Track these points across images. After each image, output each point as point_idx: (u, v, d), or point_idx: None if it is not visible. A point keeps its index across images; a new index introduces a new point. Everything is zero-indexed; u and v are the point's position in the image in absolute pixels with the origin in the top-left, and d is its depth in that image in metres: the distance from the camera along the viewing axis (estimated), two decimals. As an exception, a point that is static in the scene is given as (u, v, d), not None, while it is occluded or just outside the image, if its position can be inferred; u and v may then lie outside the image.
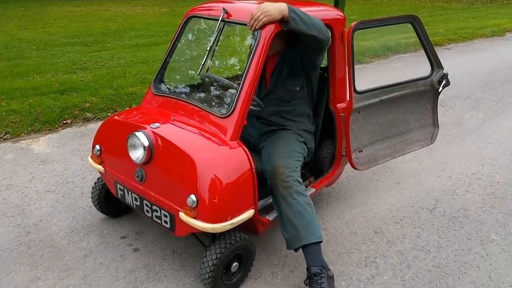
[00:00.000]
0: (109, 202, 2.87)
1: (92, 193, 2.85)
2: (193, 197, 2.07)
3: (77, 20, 12.83)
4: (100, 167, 2.60)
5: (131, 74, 6.17)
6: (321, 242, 2.31)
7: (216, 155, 2.20)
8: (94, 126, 4.44)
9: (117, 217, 2.97)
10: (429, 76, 3.15)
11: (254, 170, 2.21)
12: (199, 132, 2.31)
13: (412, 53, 8.37)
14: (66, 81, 5.66)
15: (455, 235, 2.91)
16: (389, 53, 8.18)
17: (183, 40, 2.85)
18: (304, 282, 2.31)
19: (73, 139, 4.13)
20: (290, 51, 2.62)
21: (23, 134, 4.19)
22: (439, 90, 3.20)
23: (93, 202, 2.87)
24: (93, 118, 4.64)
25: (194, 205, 2.07)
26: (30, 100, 4.86)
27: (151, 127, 2.30)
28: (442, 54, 7.12)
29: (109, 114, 4.74)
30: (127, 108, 3.01)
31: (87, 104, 4.85)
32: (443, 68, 3.16)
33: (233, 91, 2.45)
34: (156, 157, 2.25)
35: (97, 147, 2.63)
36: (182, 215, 2.13)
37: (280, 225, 2.36)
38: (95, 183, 2.85)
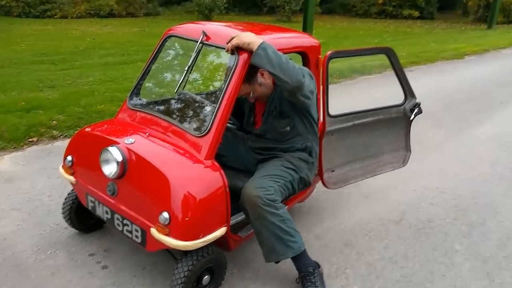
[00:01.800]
0: (80, 217, 2.83)
1: (63, 207, 2.80)
2: (165, 214, 2.08)
3: (45, 38, 12.62)
4: (71, 178, 2.58)
5: (100, 92, 6.11)
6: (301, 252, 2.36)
7: (189, 173, 2.22)
8: (61, 144, 4.36)
9: (87, 233, 2.91)
10: (402, 104, 3.30)
11: (227, 189, 2.23)
12: (174, 150, 2.32)
13: (377, 75, 8.66)
14: (33, 99, 5.55)
15: (421, 246, 3.00)
16: (356, 75, 8.44)
17: (160, 58, 2.88)
18: (296, 280, 2.40)
19: (40, 157, 4.04)
20: (278, 92, 2.58)
21: (-13, 152, 4.08)
22: (411, 118, 3.35)
23: (64, 217, 2.82)
24: (60, 136, 4.56)
25: (167, 222, 2.07)
26: (-5, 118, 4.75)
27: (125, 142, 2.30)
28: (408, 76, 7.40)
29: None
30: (101, 121, 2.97)
31: (54, 122, 4.77)
32: (415, 97, 3.31)
33: (209, 109, 2.47)
34: (129, 173, 2.25)
35: (69, 157, 2.60)
36: (154, 231, 2.13)
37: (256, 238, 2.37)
38: (66, 197, 2.81)
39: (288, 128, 2.60)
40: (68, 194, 2.82)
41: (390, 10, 25.95)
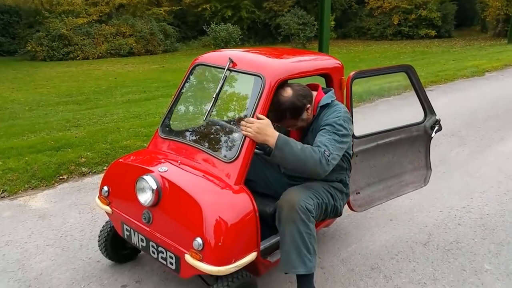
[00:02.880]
0: (114, 247, 2.92)
1: (99, 238, 2.90)
2: (199, 240, 2.14)
3: (68, 80, 13.16)
4: (108, 208, 2.68)
5: (124, 129, 6.31)
6: (311, 273, 2.36)
7: (220, 199, 2.29)
8: (91, 180, 4.51)
9: (119, 264, 2.99)
10: (422, 122, 3.34)
11: (257, 214, 2.29)
12: (205, 176, 2.41)
13: (396, 96, 8.68)
14: (61, 138, 5.77)
15: (449, 267, 2.97)
16: (374, 97, 8.48)
17: (189, 87, 2.99)
18: None
19: (70, 193, 4.18)
20: (315, 124, 2.56)
21: (20, 191, 4.24)
22: (432, 136, 3.38)
23: (99, 247, 2.92)
24: (89, 172, 4.72)
25: (200, 248, 2.14)
26: (26, 158, 4.95)
27: (159, 171, 2.40)
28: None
29: (105, 168, 4.82)
30: (134, 151, 3.08)
31: (83, 159, 4.94)
32: (435, 114, 3.35)
33: (237, 135, 2.55)
34: (163, 200, 2.34)
35: (105, 188, 2.71)
36: (188, 257, 2.20)
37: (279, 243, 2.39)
38: (102, 228, 2.91)
39: None
40: (103, 226, 2.93)
41: (406, 31, 26.03)
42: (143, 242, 2.51)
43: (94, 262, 3.03)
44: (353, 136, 2.83)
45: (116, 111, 8.00)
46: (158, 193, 2.33)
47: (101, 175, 4.59)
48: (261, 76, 2.46)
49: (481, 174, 4.59)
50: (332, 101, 2.56)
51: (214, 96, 2.62)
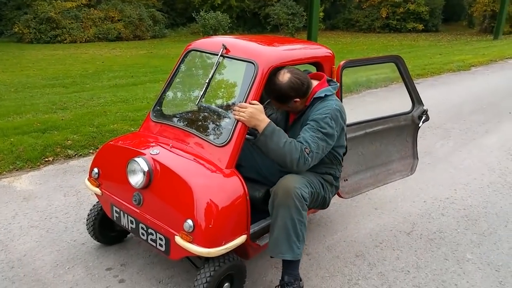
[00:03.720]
0: (102, 229, 2.93)
1: (87, 220, 2.90)
2: (190, 222, 2.15)
3: (55, 63, 12.93)
4: (97, 190, 2.68)
5: (111, 113, 6.24)
6: (298, 260, 2.40)
7: (212, 182, 2.31)
8: (76, 163, 4.46)
9: (106, 247, 2.99)
10: (410, 112, 3.38)
11: (247, 197, 2.31)
12: (196, 160, 2.42)
13: (382, 88, 8.74)
14: (47, 121, 5.69)
15: (432, 256, 3.02)
16: (361, 88, 8.52)
17: (181, 72, 2.99)
18: (276, 287, 2.42)
19: (56, 176, 4.14)
20: (308, 113, 2.54)
21: (4, 172, 4.18)
22: (419, 125, 3.42)
23: (87, 229, 2.92)
24: (75, 155, 4.66)
25: (191, 229, 2.15)
26: (12, 139, 4.87)
27: (151, 153, 2.41)
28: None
29: (91, 151, 4.78)
30: (125, 134, 3.06)
31: (69, 141, 4.88)
32: (423, 105, 3.38)
33: (228, 120, 2.57)
34: (154, 182, 2.35)
35: (95, 170, 2.71)
36: (178, 239, 2.21)
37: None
38: (90, 210, 2.91)
39: None
40: (91, 208, 2.92)
41: (394, 24, 26.16)
42: (132, 224, 2.51)
43: (79, 245, 3.01)
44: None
45: (103, 95, 7.90)
46: (150, 176, 2.33)
47: (87, 158, 4.58)
48: (254, 63, 2.48)
49: (465, 166, 4.67)
50: (326, 95, 2.52)
51: (206, 81, 2.63)
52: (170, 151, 2.50)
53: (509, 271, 2.86)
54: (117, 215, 2.62)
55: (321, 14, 22.41)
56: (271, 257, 2.42)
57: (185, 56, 2.93)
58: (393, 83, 8.94)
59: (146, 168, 2.32)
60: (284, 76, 2.47)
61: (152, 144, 2.57)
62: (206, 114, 2.81)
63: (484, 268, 2.89)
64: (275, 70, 2.51)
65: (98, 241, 2.98)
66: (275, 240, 2.34)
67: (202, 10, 21.88)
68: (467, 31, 26.84)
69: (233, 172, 2.36)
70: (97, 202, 2.90)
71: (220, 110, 2.77)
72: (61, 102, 7.13)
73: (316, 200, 2.55)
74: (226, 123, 2.61)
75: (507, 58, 13.62)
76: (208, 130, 2.72)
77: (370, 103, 7.50)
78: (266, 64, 2.47)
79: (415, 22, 25.89)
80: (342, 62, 2.85)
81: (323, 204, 2.69)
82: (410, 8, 25.44)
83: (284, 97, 2.49)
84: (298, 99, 2.51)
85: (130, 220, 2.52)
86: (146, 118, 2.88)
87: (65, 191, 3.80)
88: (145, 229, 2.43)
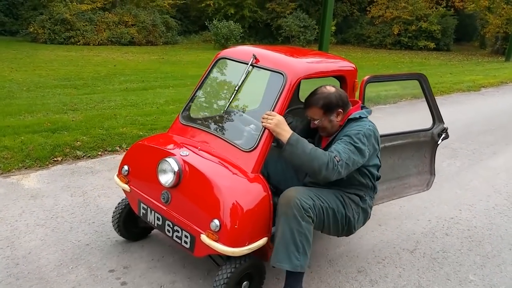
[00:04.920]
0: (127, 225, 3.03)
1: (113, 215, 3.01)
2: (216, 221, 2.26)
3: (67, 64, 13.07)
4: (126, 186, 2.79)
5: (121, 116, 6.31)
6: (299, 272, 2.39)
7: (239, 185, 2.41)
8: (84, 164, 4.51)
9: (130, 242, 3.11)
10: (430, 129, 3.43)
11: (271, 201, 2.42)
12: (223, 163, 2.52)
13: (391, 105, 8.75)
14: (58, 121, 5.76)
15: (435, 275, 3.01)
16: (370, 104, 8.54)
17: (211, 78, 3.10)
18: None
19: (63, 176, 4.18)
20: (336, 138, 2.57)
21: (14, 169, 4.23)
22: (438, 142, 3.47)
23: (112, 223, 3.02)
24: (84, 156, 4.71)
25: (217, 229, 2.25)
26: (22, 138, 4.93)
27: (181, 154, 2.51)
28: (421, 107, 7.46)
29: (99, 153, 4.83)
30: (154, 134, 3.19)
31: (78, 143, 4.93)
32: (444, 123, 3.42)
33: (256, 127, 2.67)
34: (183, 182, 2.46)
35: (125, 167, 2.82)
36: (204, 237, 2.31)
37: None
38: (116, 206, 3.02)
39: (345, 177, 2.59)
40: (118, 203, 3.03)
41: (406, 41, 26.19)
42: (159, 221, 2.61)
43: (83, 245, 3.03)
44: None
45: (114, 98, 7.98)
46: (179, 175, 2.44)
47: (96, 160, 4.63)
48: (283, 74, 2.59)
49: (471, 187, 4.65)
50: (360, 116, 2.59)
51: (236, 88, 2.74)
52: (199, 153, 2.59)
53: (512, 295, 2.84)
54: (144, 211, 2.72)
55: (333, 28, 22.50)
56: (272, 266, 2.42)
57: (216, 63, 3.05)
58: (402, 100, 8.95)
59: (176, 168, 2.43)
60: (329, 87, 2.58)
61: (181, 146, 2.68)
62: (233, 119, 2.91)
63: (487, 291, 2.87)
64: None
65: (122, 236, 3.07)
66: (275, 249, 2.36)
67: (215, 19, 22.07)
68: (479, 52, 26.82)
69: (258, 177, 2.46)
70: (123, 198, 3.01)
71: (247, 117, 2.86)
72: (72, 103, 7.21)
73: (333, 217, 2.50)
74: (253, 129, 2.71)
75: (518, 81, 13.57)
76: (235, 135, 2.77)
77: (376, 118, 7.48)
78: (294, 75, 2.59)
79: (427, 41, 25.93)
80: (366, 77, 2.92)
81: (348, 226, 2.61)
82: (422, 26, 25.51)
83: (331, 105, 2.54)
84: (341, 111, 2.57)
85: (157, 217, 2.62)
86: (175, 121, 2.99)
87: (72, 192, 3.84)
88: (171, 226, 2.52)
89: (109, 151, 4.93)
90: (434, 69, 16.70)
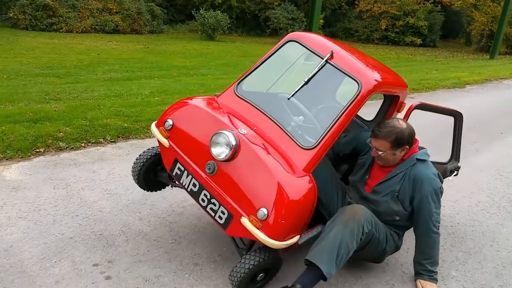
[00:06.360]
0: (146, 176, 3.03)
1: (134, 164, 2.98)
2: (265, 210, 2.25)
3: (49, 51, 12.81)
4: (166, 141, 2.69)
5: (105, 107, 6.21)
6: (324, 277, 2.40)
7: (293, 181, 2.37)
8: (67, 156, 4.43)
9: (150, 192, 3.23)
10: (446, 163, 3.53)
11: (315, 203, 2.43)
12: (280, 154, 2.47)
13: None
14: (40, 111, 5.63)
15: (418, 271, 3.04)
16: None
17: (276, 58, 2.94)
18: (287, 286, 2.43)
19: (46, 167, 4.10)
20: (407, 176, 2.68)
21: (-6, 160, 4.14)
22: (449, 178, 3.62)
23: (132, 173, 3.01)
24: (66, 147, 4.63)
25: (264, 218, 2.25)
26: (3, 128, 4.81)
27: (239, 132, 2.44)
28: (406, 103, 7.51)
29: (83, 144, 4.75)
30: (204, 95, 3.01)
31: (61, 134, 4.84)
32: (459, 162, 3.52)
33: (319, 126, 2.62)
34: (235, 160, 2.40)
35: (170, 121, 2.71)
36: (245, 221, 2.31)
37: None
38: (139, 156, 2.99)
39: (397, 218, 2.73)
40: (137, 157, 3.01)
41: (393, 37, 26.37)
42: (194, 187, 2.57)
43: (67, 239, 2.98)
44: None
45: (97, 88, 7.85)
46: (234, 152, 2.38)
47: (79, 152, 4.56)
48: (359, 82, 2.53)
49: (455, 183, 4.70)
50: (424, 159, 2.71)
51: (305, 80, 2.67)
52: (256, 134, 2.53)
53: (492, 291, 2.90)
54: (178, 172, 2.65)
55: (321, 21, 22.51)
56: (305, 260, 2.44)
57: (285, 43, 2.90)
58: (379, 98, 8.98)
59: (233, 143, 2.37)
60: (401, 122, 2.62)
61: (238, 121, 2.60)
62: (296, 111, 2.78)
63: (468, 286, 2.91)
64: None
65: (139, 186, 3.08)
66: (319, 247, 2.41)
67: (202, 8, 21.86)
68: (464, 49, 27.15)
69: (310, 177, 2.44)
70: (148, 149, 3.01)
71: (309, 113, 2.78)
72: (55, 93, 7.06)
73: (376, 247, 2.65)
74: (317, 128, 2.64)
75: (502, 79, 13.80)
76: (295, 129, 2.68)
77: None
78: (368, 86, 2.53)
79: (414, 36, 26.14)
80: (415, 103, 2.96)
81: (381, 256, 2.80)
82: (409, 22, 25.69)
83: (402, 142, 2.59)
84: (407, 147, 2.64)
85: (193, 183, 2.57)
86: (229, 90, 2.86)
87: (55, 184, 3.77)
88: (208, 197, 2.50)
89: (92, 142, 4.85)
90: (420, 65, 16.85)
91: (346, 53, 2.77)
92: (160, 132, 2.74)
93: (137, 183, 3.08)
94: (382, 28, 26.19)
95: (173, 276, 2.70)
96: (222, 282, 2.69)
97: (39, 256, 2.78)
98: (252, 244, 2.55)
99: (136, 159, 3.00)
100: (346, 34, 27.60)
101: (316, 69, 2.66)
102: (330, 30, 27.66)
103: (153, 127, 2.80)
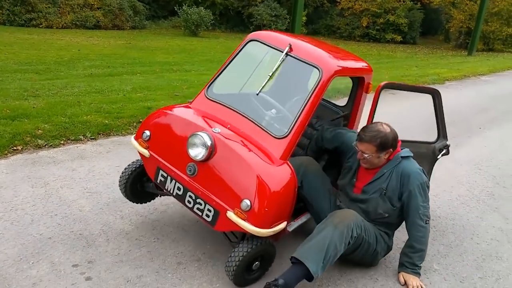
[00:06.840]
0: (133, 189, 3.07)
1: (120, 178, 3.03)
2: (247, 201, 2.34)
3: (28, 47, 12.51)
4: (146, 151, 2.80)
5: (85, 103, 6.10)
6: (309, 277, 2.42)
7: (271, 170, 2.47)
8: (46, 154, 4.33)
9: (139, 203, 3.24)
10: (433, 143, 3.49)
11: (296, 189, 2.54)
12: (255, 146, 2.58)
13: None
14: (17, 107, 5.50)
15: (400, 265, 3.06)
16: (340, 96, 8.60)
17: (239, 58, 3.06)
18: (267, 283, 2.42)
19: (24, 165, 4.00)
20: (395, 174, 2.77)
21: (-31, 159, 4.02)
22: (438, 157, 3.58)
23: (120, 186, 3.05)
24: (45, 145, 4.52)
25: (248, 209, 2.33)
26: (-22, 125, 4.69)
27: (213, 131, 2.52)
28: (387, 99, 7.58)
29: (62, 142, 4.65)
30: (180, 103, 3.14)
31: (39, 131, 4.73)
32: (447, 139, 3.49)
33: (288, 115, 2.74)
34: (213, 158, 2.49)
35: (147, 132, 2.80)
36: (231, 214, 2.39)
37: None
38: (124, 169, 3.05)
39: (386, 215, 2.79)
40: (124, 169, 3.05)
41: (374, 34, 26.61)
42: (179, 191, 2.64)
43: (45, 239, 2.91)
44: None
45: (78, 84, 7.70)
46: (211, 151, 2.47)
47: (58, 149, 4.47)
48: (319, 69, 2.65)
49: (435, 178, 4.73)
50: (408, 156, 2.82)
51: (269, 74, 2.77)
52: (230, 131, 2.63)
53: (472, 283, 2.93)
54: (162, 179, 2.72)
55: (304, 18, 22.52)
56: (292, 257, 2.46)
57: (246, 44, 3.04)
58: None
59: (209, 143, 2.45)
60: (385, 126, 2.69)
61: (211, 121, 2.71)
62: (264, 105, 2.90)
63: (450, 279, 2.95)
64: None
65: (129, 200, 3.12)
66: (307, 246, 2.45)
67: (185, 4, 21.65)
68: (443, 46, 27.53)
69: (287, 164, 2.54)
70: (132, 162, 3.07)
71: (278, 104, 2.87)
72: (33, 89, 6.90)
73: (366, 250, 2.72)
74: (286, 117, 2.74)
75: (479, 75, 14.03)
76: (266, 120, 2.80)
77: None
78: (329, 71, 2.65)
79: (394, 34, 26.42)
80: (382, 83, 2.98)
81: (374, 258, 2.87)
82: (390, 19, 25.93)
83: (385, 145, 2.68)
84: (391, 150, 2.73)
85: (178, 187, 2.64)
86: (200, 93, 2.98)
87: (33, 182, 3.68)
88: (194, 198, 2.57)
89: (72, 140, 4.76)
90: (400, 61, 17.02)
91: (305, 44, 2.90)
92: (140, 143, 2.84)
93: (125, 197, 3.12)
94: (364, 25, 26.39)
95: (155, 276, 2.66)
96: (206, 281, 2.66)
97: (15, 257, 2.70)
98: (243, 236, 2.60)
99: (122, 173, 3.05)
100: (329, 31, 27.70)
101: (278, 63, 2.78)
102: (312, 27, 27.70)
103: (133, 140, 2.90)
